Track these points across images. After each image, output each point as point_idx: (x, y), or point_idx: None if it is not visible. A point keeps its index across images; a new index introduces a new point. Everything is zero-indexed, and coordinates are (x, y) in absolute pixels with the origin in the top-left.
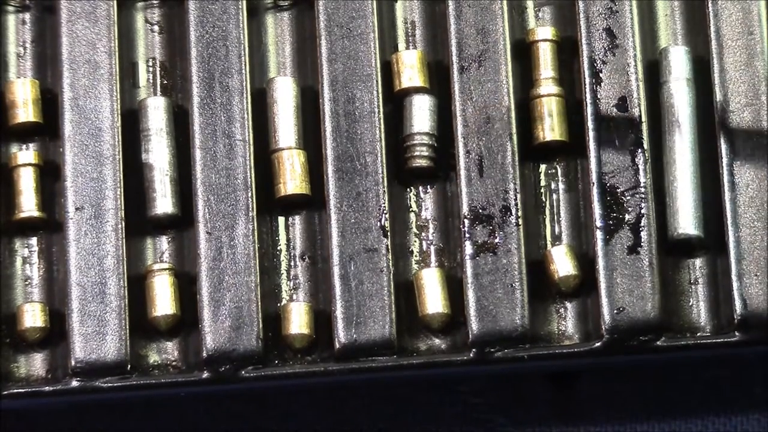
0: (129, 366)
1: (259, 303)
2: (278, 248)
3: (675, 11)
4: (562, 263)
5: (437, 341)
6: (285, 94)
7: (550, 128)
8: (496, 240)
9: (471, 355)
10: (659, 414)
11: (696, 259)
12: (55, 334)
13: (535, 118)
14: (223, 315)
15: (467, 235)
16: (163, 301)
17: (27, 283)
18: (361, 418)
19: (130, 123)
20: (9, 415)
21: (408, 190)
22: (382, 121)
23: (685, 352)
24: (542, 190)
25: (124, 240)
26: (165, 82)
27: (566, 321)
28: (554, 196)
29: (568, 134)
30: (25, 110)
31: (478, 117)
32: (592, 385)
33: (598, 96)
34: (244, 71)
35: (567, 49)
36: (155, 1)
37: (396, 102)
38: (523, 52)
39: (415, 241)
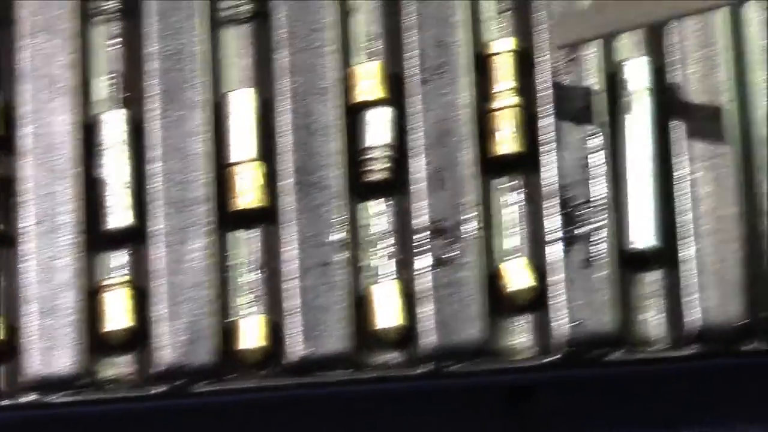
0: (84, 380)
1: (215, 317)
2: (235, 262)
3: None
4: (519, 276)
5: (393, 355)
6: (243, 106)
7: (508, 141)
8: (453, 253)
9: (427, 369)
10: (622, 428)
11: (653, 271)
12: (13, 349)
13: (493, 130)
14: (178, 329)
15: (424, 248)
16: (119, 315)
17: None
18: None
19: (89, 137)
20: None
21: (365, 203)
22: (340, 133)
23: (642, 366)
24: (500, 203)
25: (81, 254)
26: (123, 95)
27: (523, 335)
28: (512, 209)
29: (527, 146)
30: None
31: (436, 129)
32: (554, 398)
33: (557, 107)
34: (202, 84)
35: (528, 60)
36: (115, 15)
37: (354, 114)
38: (483, 64)
39: (373, 255)
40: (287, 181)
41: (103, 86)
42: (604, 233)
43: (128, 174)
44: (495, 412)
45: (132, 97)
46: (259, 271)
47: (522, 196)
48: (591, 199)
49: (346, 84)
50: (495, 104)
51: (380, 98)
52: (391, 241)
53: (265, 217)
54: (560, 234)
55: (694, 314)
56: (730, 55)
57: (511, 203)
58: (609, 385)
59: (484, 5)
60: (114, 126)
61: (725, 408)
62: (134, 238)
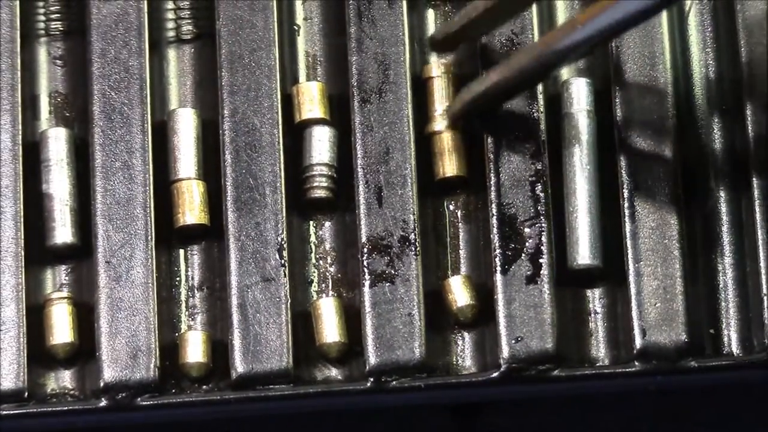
0: (26, 394)
1: (157, 332)
2: (177, 278)
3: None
4: (460, 293)
5: (335, 371)
6: (185, 125)
7: (449, 164)
8: (394, 270)
9: (368, 384)
10: None
11: (595, 289)
12: None
13: (434, 153)
14: (121, 343)
15: (365, 265)
16: (61, 330)
17: None
18: None
19: (30, 155)
20: None
21: (307, 220)
22: (281, 152)
23: (583, 382)
24: (442, 221)
25: (23, 269)
26: (66, 114)
27: (464, 351)
28: (454, 227)
29: (467, 167)
30: None
31: (377, 148)
32: (498, 417)
33: (498, 128)
34: (144, 103)
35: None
36: (58, 34)
37: (296, 133)
38: (424, 85)
39: (314, 271)
40: (228, 199)
41: (46, 105)
42: (545, 251)
43: (69, 191)
44: (439, 431)
45: (75, 116)
46: (201, 288)
47: (464, 213)
48: (533, 217)
49: (288, 103)
50: (436, 125)
51: (321, 118)
52: (332, 258)
53: (206, 234)
54: (502, 251)
55: (635, 332)
56: (672, 75)
57: (452, 221)
58: (553, 404)
59: (426, 27)
60: (56, 143)
61: (667, 426)
62: (78, 253)
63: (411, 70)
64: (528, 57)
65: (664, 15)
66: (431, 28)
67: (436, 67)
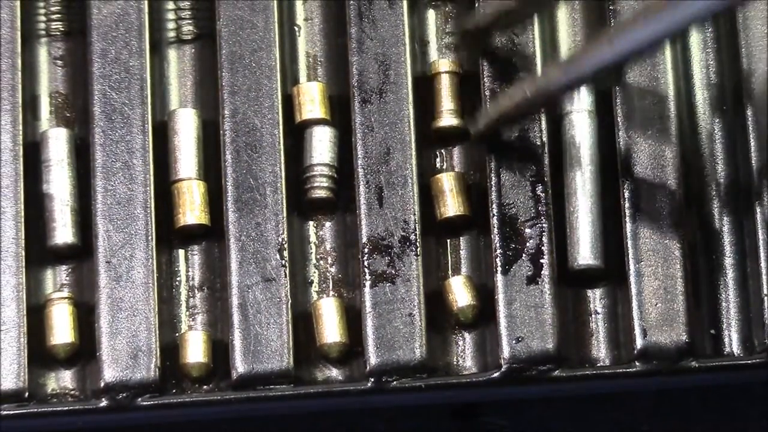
0: (27, 394)
1: (157, 332)
2: (177, 278)
3: (578, 43)
4: (461, 294)
5: (335, 371)
6: (186, 125)
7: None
8: (395, 270)
9: (368, 384)
10: None
11: (596, 289)
12: None
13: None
14: (121, 344)
15: (366, 265)
16: (62, 330)
17: None
18: None
19: (31, 155)
20: None
21: (308, 220)
22: (282, 152)
23: (583, 383)
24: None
25: (23, 269)
26: (67, 114)
27: (465, 352)
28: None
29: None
30: None
31: (378, 149)
32: (498, 417)
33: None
34: (145, 103)
35: (471, 81)
36: (58, 35)
37: (297, 134)
38: (425, 84)
39: (315, 271)
40: (229, 199)
41: (46, 105)
42: (546, 251)
43: (70, 192)
44: (439, 431)
45: (75, 116)
46: (201, 288)
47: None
48: (533, 218)
49: (289, 104)
50: (437, 124)
51: (321, 118)
52: (333, 258)
53: (207, 234)
54: (503, 252)
55: (636, 332)
56: (673, 75)
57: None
58: (553, 404)
59: (426, 28)
60: (57, 143)
61: (668, 426)
62: (78, 253)
63: (412, 71)
64: (559, 72)
65: None
66: (432, 28)
67: (443, 63)
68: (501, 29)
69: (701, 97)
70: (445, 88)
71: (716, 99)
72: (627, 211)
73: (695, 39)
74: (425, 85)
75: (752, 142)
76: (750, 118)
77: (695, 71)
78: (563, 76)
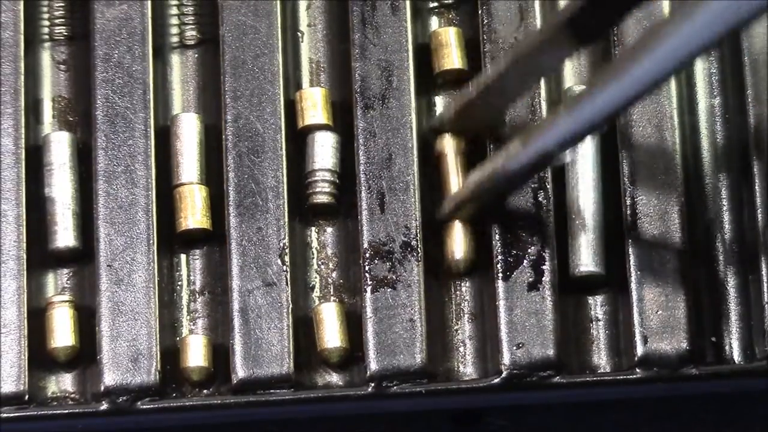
0: (27, 397)
1: (158, 336)
2: (178, 282)
3: (581, 51)
4: (459, 244)
5: (336, 376)
6: (188, 129)
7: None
8: (396, 276)
9: (369, 389)
10: None
11: (597, 296)
12: None
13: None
14: (122, 347)
15: (367, 271)
16: (62, 333)
17: None
18: None
19: (33, 158)
20: None
21: (309, 225)
22: (284, 157)
23: (584, 389)
24: (445, 227)
25: (24, 272)
26: (69, 118)
27: (466, 357)
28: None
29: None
30: None
31: (380, 154)
32: (500, 424)
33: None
34: (147, 108)
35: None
36: (61, 39)
37: (299, 139)
38: (428, 90)
39: (316, 276)
40: (231, 204)
41: (49, 109)
42: (547, 258)
43: (71, 195)
44: None
45: (78, 120)
46: (202, 292)
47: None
48: (535, 224)
49: (291, 109)
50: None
51: (324, 123)
52: (334, 263)
53: (208, 239)
54: (504, 258)
55: (637, 339)
56: (675, 87)
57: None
58: (555, 411)
59: (429, 35)
60: (59, 146)
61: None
62: (80, 257)
63: (414, 77)
64: (519, 149)
65: None
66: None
67: (448, 144)
68: (478, 124)
69: (702, 98)
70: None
71: (718, 98)
72: (628, 218)
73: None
74: (428, 89)
75: (752, 144)
76: (751, 118)
77: (697, 75)
78: (524, 153)
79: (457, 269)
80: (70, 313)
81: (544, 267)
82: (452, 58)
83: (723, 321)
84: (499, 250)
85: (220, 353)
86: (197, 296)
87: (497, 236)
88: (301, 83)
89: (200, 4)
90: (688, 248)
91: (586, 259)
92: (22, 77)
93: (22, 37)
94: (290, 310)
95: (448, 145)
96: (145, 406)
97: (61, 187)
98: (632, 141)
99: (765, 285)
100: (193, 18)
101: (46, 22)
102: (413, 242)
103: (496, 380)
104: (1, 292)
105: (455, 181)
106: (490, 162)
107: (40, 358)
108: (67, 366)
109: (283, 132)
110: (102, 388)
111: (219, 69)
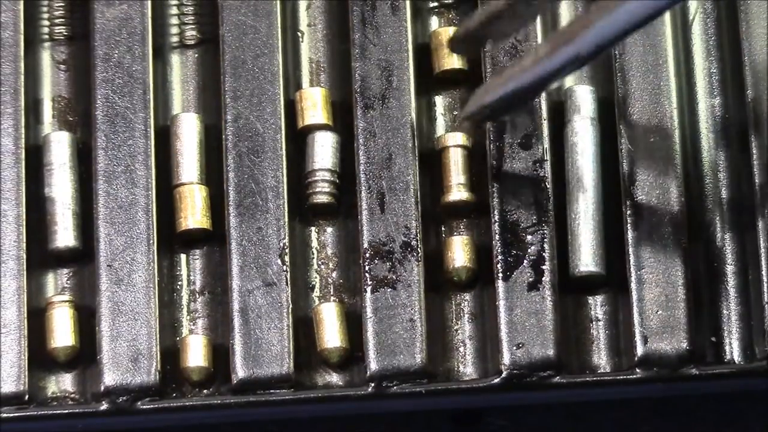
0: (27, 397)
1: (158, 336)
2: (178, 282)
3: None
4: (459, 254)
5: (336, 376)
6: (188, 129)
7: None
8: (396, 276)
9: (369, 390)
10: None
11: (597, 296)
12: None
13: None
14: (122, 347)
15: (367, 271)
16: (62, 333)
17: None
18: None
19: (33, 158)
20: None
21: (309, 225)
22: (284, 157)
23: (584, 389)
24: (444, 227)
25: (24, 272)
26: (69, 118)
27: (465, 357)
28: (457, 232)
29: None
30: None
31: (380, 154)
32: (500, 424)
33: (502, 134)
34: (147, 108)
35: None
36: (61, 39)
37: (299, 139)
38: (428, 90)
39: (316, 276)
40: (230, 203)
41: (49, 109)
42: (547, 258)
43: (71, 195)
44: None
45: (78, 120)
46: (202, 292)
47: (466, 220)
48: (535, 224)
49: (291, 109)
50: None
51: (324, 123)
52: (334, 263)
53: (208, 239)
54: (504, 258)
55: (637, 339)
56: (676, 82)
57: (454, 227)
58: (555, 411)
59: (429, 35)
60: (59, 146)
61: None
62: (80, 257)
63: (414, 77)
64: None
65: (667, 22)
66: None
67: (451, 138)
68: (497, 36)
69: (703, 102)
70: (454, 163)
71: (718, 103)
72: (628, 218)
73: (698, 46)
74: (429, 89)
75: (755, 151)
76: (752, 118)
77: (698, 77)
78: (500, 88)
79: (458, 279)
80: (70, 313)
81: (544, 267)
82: (452, 58)
83: (723, 321)
84: (499, 250)
85: (220, 353)
86: (197, 296)
87: (497, 236)
88: (301, 83)
89: (200, 4)
90: (688, 248)
91: (586, 258)
92: (22, 77)
93: (22, 37)
94: (290, 310)
95: (452, 138)
96: (145, 406)
97: (61, 187)
98: (633, 141)
99: (765, 285)
100: (193, 18)
101: (46, 22)
102: (413, 242)
103: (496, 380)
104: (1, 292)
105: (457, 177)
106: (519, 63)
107: (40, 358)
108: (67, 366)
109: (283, 132)
110: (102, 388)
111: (219, 69)
